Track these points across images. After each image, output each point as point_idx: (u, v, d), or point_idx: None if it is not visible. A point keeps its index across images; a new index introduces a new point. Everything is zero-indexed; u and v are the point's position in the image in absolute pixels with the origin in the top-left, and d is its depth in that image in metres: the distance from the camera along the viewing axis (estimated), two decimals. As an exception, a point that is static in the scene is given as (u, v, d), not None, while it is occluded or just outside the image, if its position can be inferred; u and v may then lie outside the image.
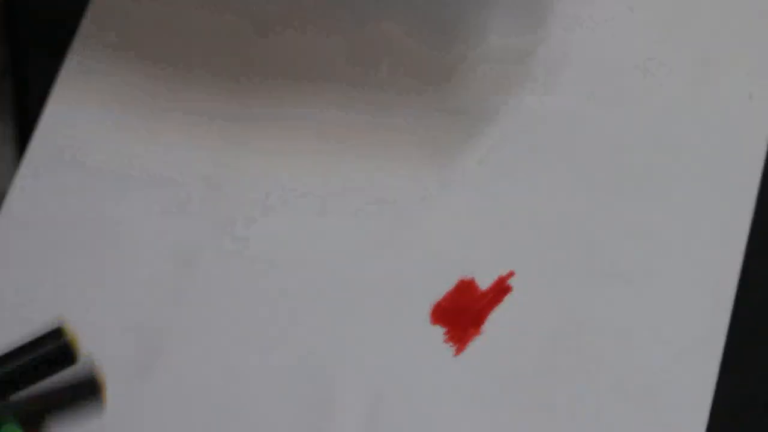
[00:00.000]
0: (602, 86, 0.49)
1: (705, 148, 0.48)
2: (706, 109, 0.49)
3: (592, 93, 0.49)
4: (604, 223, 0.47)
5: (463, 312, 0.46)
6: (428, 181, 0.48)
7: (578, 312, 0.46)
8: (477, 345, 0.46)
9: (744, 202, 0.47)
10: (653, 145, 0.48)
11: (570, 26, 0.50)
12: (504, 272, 0.46)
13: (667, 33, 0.50)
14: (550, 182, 0.48)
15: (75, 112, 0.50)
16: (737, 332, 0.46)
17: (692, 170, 0.48)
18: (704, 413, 0.44)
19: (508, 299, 0.46)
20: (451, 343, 0.46)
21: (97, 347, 0.45)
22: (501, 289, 0.46)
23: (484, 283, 0.46)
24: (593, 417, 0.44)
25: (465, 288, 0.46)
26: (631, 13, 0.50)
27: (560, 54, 0.50)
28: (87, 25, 0.51)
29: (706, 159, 0.48)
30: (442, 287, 0.46)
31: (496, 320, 0.46)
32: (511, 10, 0.50)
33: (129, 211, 0.48)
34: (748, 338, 0.46)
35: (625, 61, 0.50)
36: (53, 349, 0.37)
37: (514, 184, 0.48)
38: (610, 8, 0.50)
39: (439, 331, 0.46)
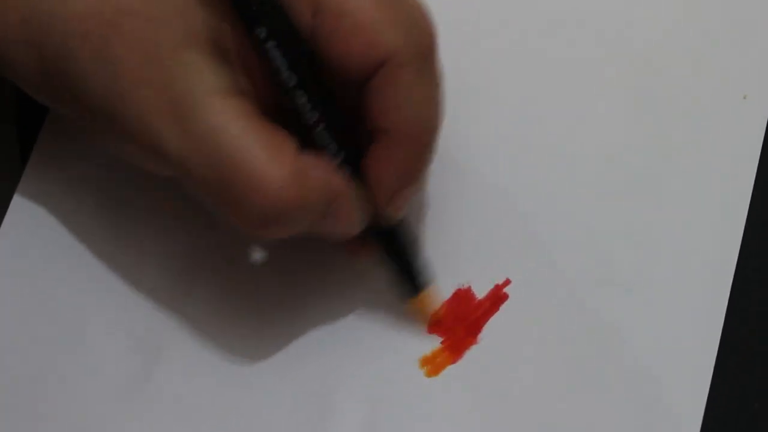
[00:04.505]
0: (593, 90, 0.49)
1: (698, 150, 0.48)
2: (699, 110, 0.49)
3: (584, 95, 0.49)
4: (599, 229, 0.48)
5: (459, 321, 0.47)
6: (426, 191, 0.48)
7: (575, 319, 0.46)
8: (473, 354, 0.46)
9: (738, 205, 0.48)
10: (646, 147, 0.48)
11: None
12: (500, 281, 0.47)
13: (660, 33, 0.50)
14: (545, 188, 0.48)
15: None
16: (730, 337, 0.46)
17: (686, 172, 0.48)
18: (698, 418, 0.45)
19: (504, 307, 0.47)
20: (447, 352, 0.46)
21: (97, 355, 0.47)
22: (497, 297, 0.47)
23: (481, 291, 0.47)
24: (590, 424, 0.45)
25: (461, 297, 0.47)
26: (624, 13, 0.50)
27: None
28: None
29: (699, 161, 0.48)
30: (439, 296, 0.47)
31: (493, 329, 0.47)
32: None
33: (133, 221, 0.48)
34: (741, 343, 0.46)
35: (616, 61, 0.49)
36: None
37: (509, 190, 0.48)
38: (603, 8, 0.50)
39: (436, 341, 0.46)
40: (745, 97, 0.49)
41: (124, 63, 0.39)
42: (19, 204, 0.48)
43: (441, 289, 0.47)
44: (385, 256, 0.44)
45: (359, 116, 0.41)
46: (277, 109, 0.41)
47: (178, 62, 0.39)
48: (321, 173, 0.40)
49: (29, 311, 0.47)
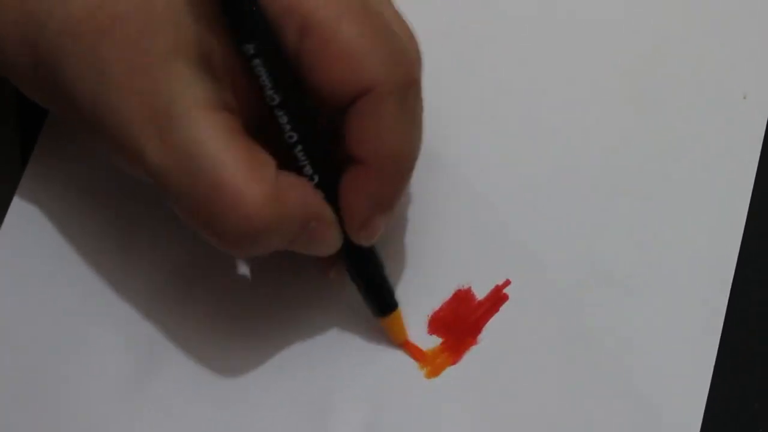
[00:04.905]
0: (593, 90, 0.49)
1: (698, 150, 0.48)
2: (699, 110, 0.49)
3: (584, 96, 0.49)
4: (599, 229, 0.48)
5: (460, 322, 0.47)
6: (423, 191, 0.48)
7: (575, 320, 0.46)
8: (473, 354, 0.46)
9: (738, 205, 0.48)
10: (646, 148, 0.48)
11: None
12: (500, 281, 0.47)
13: (660, 33, 0.50)
14: (545, 189, 0.48)
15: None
16: (730, 337, 0.46)
17: (686, 172, 0.48)
18: (698, 418, 0.45)
19: (504, 308, 0.47)
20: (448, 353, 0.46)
21: (96, 356, 0.47)
22: (497, 298, 0.47)
23: (481, 292, 0.47)
24: (590, 424, 0.45)
25: (461, 298, 0.47)
26: (624, 13, 0.50)
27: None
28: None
29: (699, 160, 0.48)
30: (439, 297, 0.47)
31: (493, 329, 0.47)
32: None
33: (133, 222, 0.48)
34: (741, 343, 0.46)
35: (616, 61, 0.49)
36: None
37: (509, 191, 0.48)
38: (603, 9, 0.50)
39: (436, 341, 0.46)
40: (745, 97, 0.49)
41: (112, 68, 0.39)
42: (19, 205, 0.48)
43: (441, 290, 0.47)
44: (354, 277, 0.45)
45: (338, 138, 0.41)
46: (260, 127, 0.41)
47: (165, 72, 0.39)
48: (299, 193, 0.40)
49: (29, 312, 0.47)
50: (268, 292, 0.47)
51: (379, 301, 0.45)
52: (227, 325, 0.47)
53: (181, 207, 0.40)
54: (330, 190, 0.41)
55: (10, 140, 0.49)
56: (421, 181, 0.47)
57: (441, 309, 0.47)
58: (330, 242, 0.42)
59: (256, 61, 0.39)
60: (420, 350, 0.46)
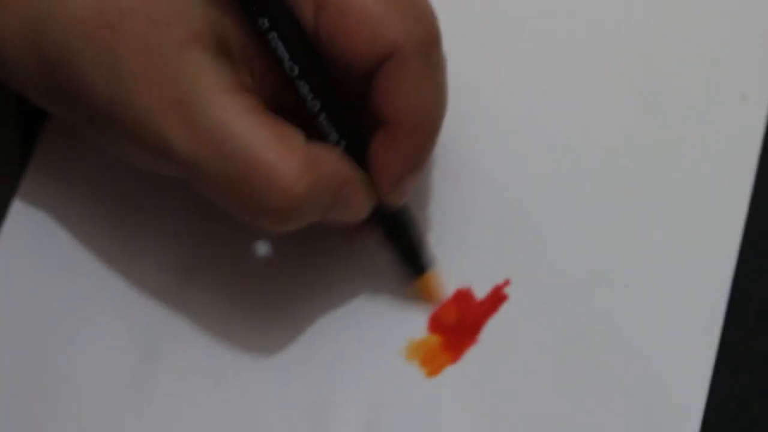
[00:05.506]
0: (593, 90, 0.49)
1: (697, 151, 0.48)
2: (699, 110, 0.49)
3: (585, 96, 0.49)
4: (599, 229, 0.48)
5: (460, 321, 0.47)
6: (422, 191, 0.48)
7: (575, 319, 0.47)
8: (473, 354, 0.46)
9: (737, 205, 0.48)
10: (646, 148, 0.48)
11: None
12: (500, 281, 0.47)
13: (660, 34, 0.50)
14: (544, 189, 0.48)
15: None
16: (730, 337, 0.46)
17: (685, 173, 0.48)
18: (697, 418, 0.45)
19: (504, 308, 0.47)
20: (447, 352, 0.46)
21: (98, 356, 0.47)
22: (497, 297, 0.47)
23: (481, 292, 0.47)
24: (590, 424, 0.45)
25: (462, 297, 0.47)
26: (624, 13, 0.50)
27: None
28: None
29: (699, 161, 0.48)
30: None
31: (493, 329, 0.47)
32: None
33: (134, 221, 0.48)
34: (741, 343, 0.46)
35: (616, 61, 0.50)
36: None
37: (509, 191, 0.48)
38: (603, 9, 0.50)
39: (436, 341, 0.47)
40: (744, 98, 0.49)
41: (128, 64, 0.39)
42: (20, 206, 0.48)
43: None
44: (388, 240, 0.45)
45: (363, 103, 0.41)
46: (280, 106, 0.41)
47: (182, 61, 0.39)
48: (329, 161, 0.41)
49: (30, 312, 0.47)
50: (266, 293, 0.47)
51: (417, 260, 0.46)
52: (227, 325, 0.47)
53: (215, 191, 0.40)
54: (357, 155, 0.42)
55: (10, 140, 0.49)
56: (419, 181, 0.47)
57: (441, 309, 0.47)
58: (363, 207, 0.43)
59: (272, 35, 0.39)
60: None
